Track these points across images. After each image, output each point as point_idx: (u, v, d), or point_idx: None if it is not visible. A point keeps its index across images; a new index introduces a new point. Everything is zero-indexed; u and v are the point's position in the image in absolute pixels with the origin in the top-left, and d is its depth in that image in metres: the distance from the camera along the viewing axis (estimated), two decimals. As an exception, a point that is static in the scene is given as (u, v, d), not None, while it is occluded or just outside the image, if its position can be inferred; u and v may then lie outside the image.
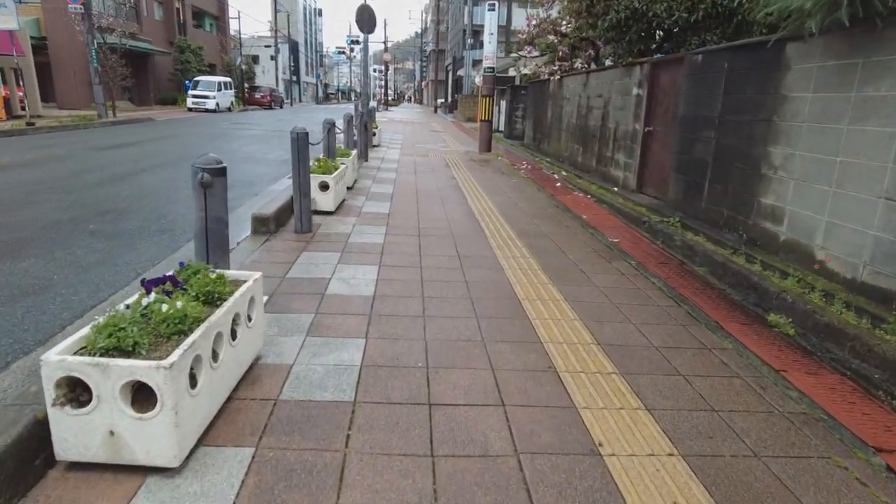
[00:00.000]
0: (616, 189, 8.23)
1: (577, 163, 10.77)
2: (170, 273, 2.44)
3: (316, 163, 6.35)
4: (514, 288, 4.15)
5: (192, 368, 2.08)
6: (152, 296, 2.27)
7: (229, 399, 2.48)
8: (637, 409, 2.63)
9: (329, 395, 2.57)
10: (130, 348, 1.97)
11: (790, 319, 3.77)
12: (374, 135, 14.13)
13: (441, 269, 4.49)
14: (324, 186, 6.11)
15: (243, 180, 8.69)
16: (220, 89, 32.64)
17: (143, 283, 2.33)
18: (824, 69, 4.21)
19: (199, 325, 2.17)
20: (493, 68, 13.67)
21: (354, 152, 8.46)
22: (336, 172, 6.28)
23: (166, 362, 1.87)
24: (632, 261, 5.09)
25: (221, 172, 2.80)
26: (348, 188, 7.81)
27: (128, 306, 2.23)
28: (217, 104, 31.74)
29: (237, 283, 2.71)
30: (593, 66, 11.07)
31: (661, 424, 2.52)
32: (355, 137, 10.38)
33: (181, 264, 2.60)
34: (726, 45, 5.62)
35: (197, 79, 32.54)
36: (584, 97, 10.38)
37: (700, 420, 2.57)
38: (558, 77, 12.08)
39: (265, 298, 3.59)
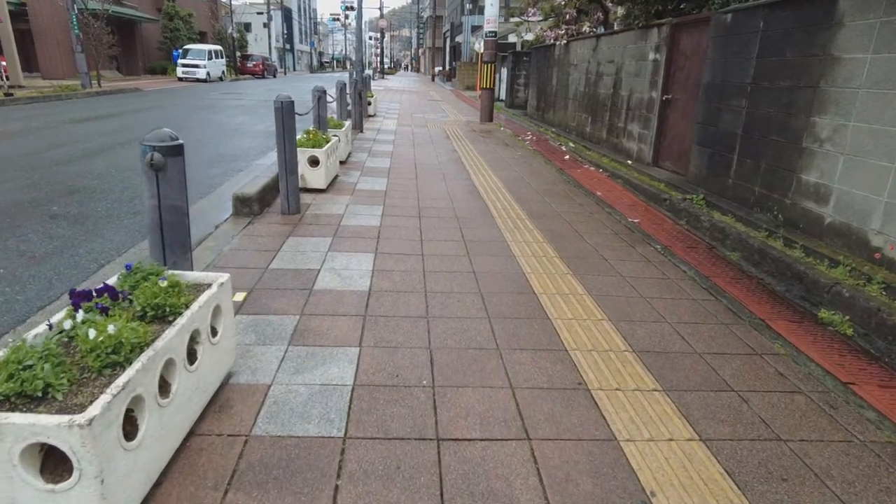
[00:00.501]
0: (630, 162, 7.67)
1: (585, 133, 10.17)
2: (108, 282, 1.92)
3: (305, 135, 5.78)
4: (529, 280, 3.65)
5: (130, 411, 1.59)
6: (81, 314, 1.76)
7: (190, 434, 2.00)
8: (690, 439, 2.16)
9: (313, 429, 2.09)
10: (40, 393, 1.47)
11: (847, 317, 3.29)
12: (370, 104, 13.45)
13: (445, 258, 3.98)
14: (314, 161, 5.55)
15: (229, 154, 8.11)
16: (210, 58, 31.57)
17: (70, 295, 1.82)
18: (890, 25, 3.63)
19: (140, 354, 1.67)
20: (494, 32, 12.92)
21: (348, 123, 7.86)
22: (327, 146, 5.72)
23: (83, 417, 1.37)
24: (656, 244, 4.58)
25: (177, 151, 2.27)
26: (341, 162, 7.24)
27: (51, 327, 1.72)
28: (208, 73, 30.74)
29: (199, 289, 2.20)
30: (602, 29, 10.37)
31: (722, 462, 2.04)
32: (349, 107, 9.74)
33: (128, 267, 2.09)
34: (763, 2, 5.01)
35: (187, 47, 31.44)
36: (594, 63, 9.72)
37: (769, 454, 2.10)
38: (564, 42, 11.38)
39: (242, 297, 3.10)
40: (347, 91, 9.48)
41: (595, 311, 3.24)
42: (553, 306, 3.26)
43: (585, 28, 10.88)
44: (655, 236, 4.84)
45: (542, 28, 12.41)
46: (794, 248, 4.16)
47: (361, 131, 10.46)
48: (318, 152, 5.53)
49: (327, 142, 5.85)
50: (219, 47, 34.33)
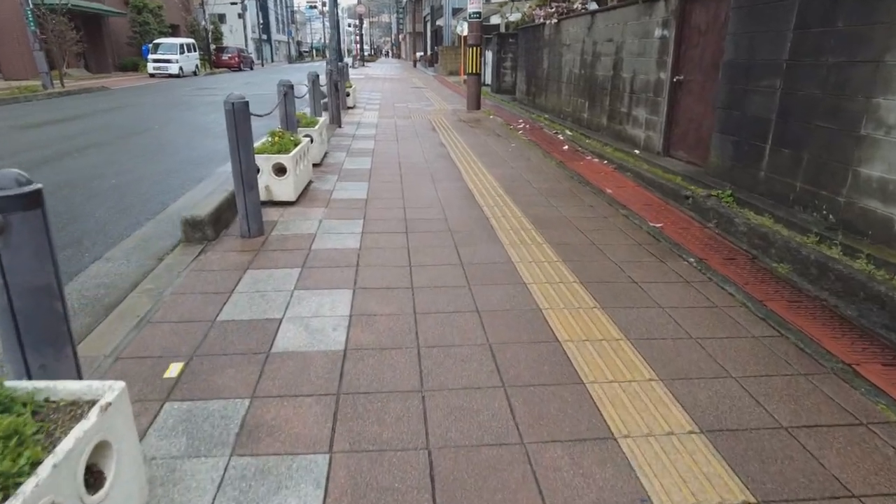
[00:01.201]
0: (637, 152, 6.93)
1: (582, 120, 9.40)
2: None
3: (270, 139, 4.98)
4: (547, 319, 2.91)
5: None
6: None
7: None
8: None
9: None
10: None
11: (957, 357, 2.58)
12: (349, 95, 12.58)
13: (440, 291, 3.23)
14: (280, 170, 4.75)
15: (192, 159, 7.26)
16: (183, 52, 30.39)
17: None
18: None
19: None
20: (479, 13, 12.07)
21: (322, 119, 7.05)
22: (296, 150, 4.92)
23: None
24: (689, 257, 3.86)
25: (31, 202, 1.48)
26: (316, 165, 6.43)
27: None
28: (181, 68, 29.58)
29: (76, 410, 1.44)
30: (593, 5, 9.55)
31: None
32: (325, 101, 8.90)
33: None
34: (799, -37, 4.26)
35: (157, 41, 30.20)
36: (589, 43, 8.93)
37: None
38: (555, 21, 10.56)
39: (177, 370, 2.33)
40: (322, 83, 8.63)
41: (640, 365, 2.51)
42: (585, 362, 2.52)
43: (577, 5, 10.05)
44: (685, 245, 4.11)
45: (530, 6, 11.57)
46: (858, 259, 3.45)
47: (340, 126, 9.62)
48: (284, 159, 4.73)
49: (296, 145, 5.05)
50: (191, 40, 33.07)
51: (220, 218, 4.17)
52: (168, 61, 29.10)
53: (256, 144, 4.92)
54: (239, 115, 3.75)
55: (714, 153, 5.40)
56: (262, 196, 4.69)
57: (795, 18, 4.28)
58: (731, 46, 5.10)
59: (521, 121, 10.78)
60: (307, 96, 7.65)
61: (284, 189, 4.78)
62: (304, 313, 2.92)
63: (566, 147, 7.95)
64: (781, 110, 4.45)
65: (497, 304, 3.07)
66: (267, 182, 4.70)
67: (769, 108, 4.58)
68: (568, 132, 9.14)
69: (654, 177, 5.82)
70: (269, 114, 4.75)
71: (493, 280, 3.39)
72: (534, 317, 2.93)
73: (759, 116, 4.71)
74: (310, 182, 5.65)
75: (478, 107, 12.77)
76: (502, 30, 20.13)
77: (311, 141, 6.25)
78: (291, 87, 5.59)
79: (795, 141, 4.30)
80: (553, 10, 10.50)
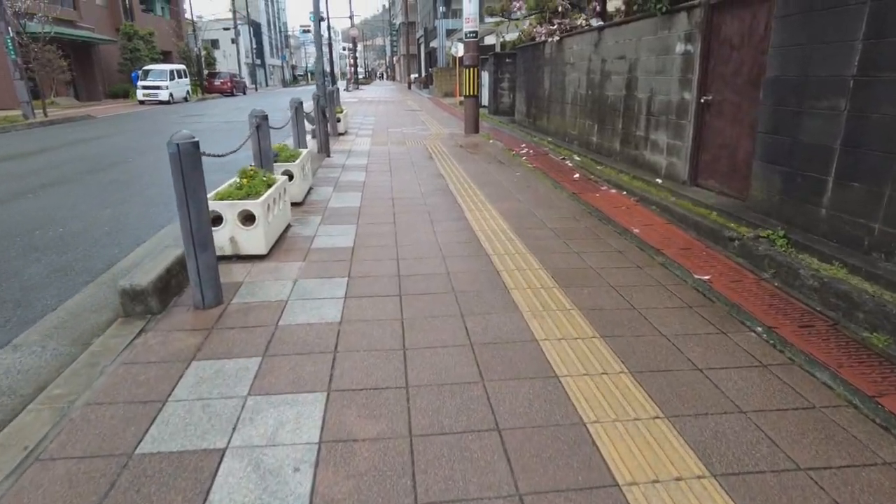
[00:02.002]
0: (659, 181, 6.17)
1: (590, 143, 8.67)
2: None
3: (238, 181, 4.21)
4: (597, 442, 2.09)
5: None
6: None
7: None
8: None
9: None
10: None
11: None
12: (339, 121, 11.88)
13: (445, 393, 2.42)
14: (247, 218, 3.97)
15: (160, 198, 6.47)
16: (173, 78, 29.84)
17: None
18: None
19: None
20: (475, 32, 11.42)
21: (306, 151, 6.29)
22: (268, 193, 4.14)
23: None
24: (755, 326, 3.06)
25: None
26: (296, 204, 5.65)
27: None
28: (171, 95, 29.00)
29: None
30: (598, 22, 8.88)
31: None
32: (312, 128, 8.17)
33: None
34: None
35: (146, 68, 29.64)
36: (597, 61, 8.24)
37: None
38: (557, 39, 9.90)
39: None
40: (311, 110, 7.90)
41: (744, 533, 1.69)
42: (662, 527, 1.71)
43: (580, 22, 9.40)
44: (745, 307, 3.31)
45: (530, 23, 10.92)
46: (983, 329, 2.65)
47: (328, 155, 8.88)
48: (253, 205, 3.95)
49: (269, 186, 4.28)
50: (182, 66, 32.56)
51: (170, 284, 3.37)
52: (158, 88, 28.54)
53: (222, 187, 4.14)
54: (186, 159, 2.97)
55: (757, 185, 4.63)
56: (227, 250, 3.90)
57: (865, 27, 3.55)
58: (777, 61, 4.37)
59: (523, 145, 10.05)
60: (290, 125, 6.91)
61: (253, 241, 3.99)
62: (256, 439, 2.11)
63: (577, 175, 7.20)
64: (848, 136, 3.70)
65: (524, 414, 2.25)
66: (232, 233, 3.92)
67: (831, 133, 3.83)
68: (576, 157, 8.40)
69: (685, 212, 5.05)
70: (233, 152, 3.97)
71: (514, 371, 2.58)
72: (577, 438, 2.12)
73: (817, 143, 3.95)
74: (288, 226, 4.87)
75: (476, 130, 12.07)
76: (498, 49, 19.58)
77: (291, 178, 5.49)
78: (265, 117, 4.83)
79: (871, 173, 3.53)
80: (555, 27, 9.85)
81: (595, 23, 8.70)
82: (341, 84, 47.98)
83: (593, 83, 8.43)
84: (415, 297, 3.42)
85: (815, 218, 3.99)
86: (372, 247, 4.40)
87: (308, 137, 8.94)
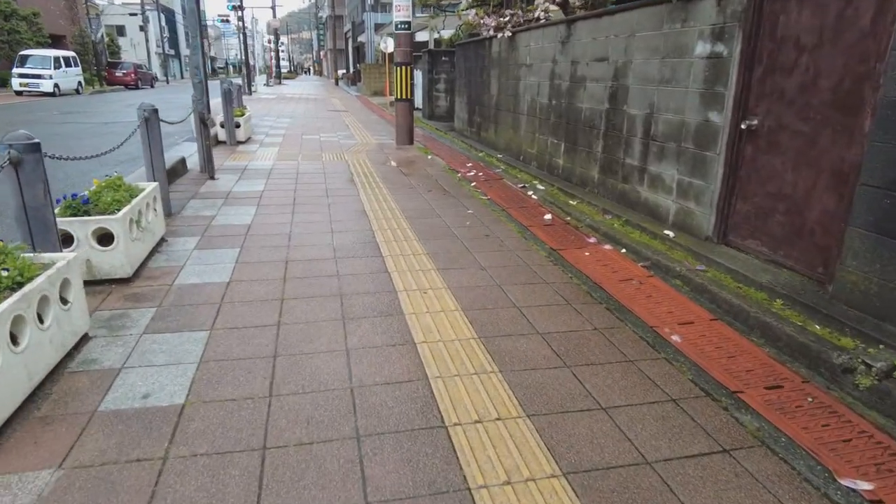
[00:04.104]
0: (669, 234, 4.42)
1: (555, 167, 6.88)
2: None
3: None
4: None
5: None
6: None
7: None
8: None
9: None
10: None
11: None
12: (238, 126, 9.54)
13: None
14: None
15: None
16: (59, 66, 25.91)
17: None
18: None
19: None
20: (408, 24, 9.42)
21: (151, 187, 4.07)
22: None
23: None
24: None
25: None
26: (118, 282, 3.44)
27: None
28: (56, 86, 25.13)
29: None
30: (555, 12, 7.07)
31: None
32: (216, 130, 5.88)
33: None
34: None
35: (23, 53, 25.56)
36: (565, 63, 6.45)
37: None
38: (509, 34, 8.06)
39: None
40: (199, 119, 5.61)
41: None
42: None
43: (539, 14, 7.58)
44: None
45: (476, 13, 9.01)
46: None
47: (212, 177, 6.61)
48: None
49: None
50: (71, 53, 28.49)
51: None
52: (39, 77, 24.62)
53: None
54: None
55: (854, 265, 2.92)
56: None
57: None
58: (913, 73, 2.66)
59: (469, 164, 8.15)
60: (142, 137, 4.63)
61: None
62: None
63: (548, 216, 5.35)
64: None
65: None
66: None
67: None
68: (538, 186, 6.58)
69: (737, 301, 3.28)
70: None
71: None
72: None
73: None
74: (162, 240, 2.68)
75: (410, 141, 10.07)
76: (431, 46, 17.65)
77: (117, 241, 3.28)
78: (38, 145, 2.61)
79: None
80: (507, 18, 8.00)
81: (556, 14, 6.90)
82: (260, 79, 44.53)
83: (559, 91, 6.64)
84: None
85: None
86: (219, 410, 2.32)
87: (195, 148, 6.66)
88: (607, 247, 4.46)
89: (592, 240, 4.65)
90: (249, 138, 10.29)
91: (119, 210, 3.39)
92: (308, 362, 2.66)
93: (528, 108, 7.67)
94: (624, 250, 4.37)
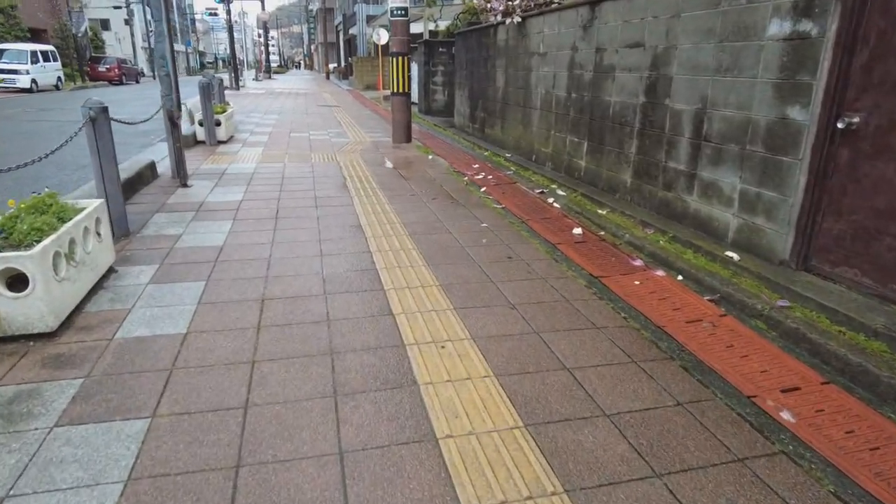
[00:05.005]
0: (733, 256, 3.62)
1: (575, 169, 6.07)
2: None
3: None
4: None
5: None
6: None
7: None
8: None
9: None
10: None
11: None
12: (219, 124, 8.66)
13: None
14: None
15: None
16: (37, 61, 24.84)
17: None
18: None
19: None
20: (405, 9, 8.55)
21: (91, 208, 3.23)
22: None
23: None
24: None
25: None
26: (42, 336, 2.62)
27: None
28: (34, 81, 24.06)
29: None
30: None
31: None
32: (193, 129, 5.02)
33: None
34: None
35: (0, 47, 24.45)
36: (588, 50, 5.63)
37: None
38: (518, 20, 7.23)
39: None
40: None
41: None
42: None
43: (552, -4, 6.75)
44: None
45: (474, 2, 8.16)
46: None
47: (185, 185, 5.75)
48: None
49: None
50: (50, 47, 27.39)
51: None
52: (15, 72, 23.53)
53: None
54: None
55: None
56: None
57: None
58: None
59: (475, 165, 7.33)
60: (88, 141, 3.77)
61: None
62: None
63: (578, 230, 4.54)
64: None
65: None
66: None
67: None
68: (558, 190, 5.78)
69: (862, 360, 2.49)
70: None
71: None
72: None
73: None
74: (111, 269, 1.88)
75: (408, 139, 9.22)
76: (427, 37, 16.77)
77: (33, 285, 2.45)
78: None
79: None
80: (517, 1, 7.16)
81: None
82: (249, 73, 43.40)
83: (580, 83, 5.82)
84: None
85: None
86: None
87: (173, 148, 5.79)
88: (659, 272, 3.66)
89: (638, 262, 3.85)
90: (232, 137, 9.41)
91: (38, 242, 2.56)
92: (283, 480, 1.84)
93: (541, 102, 6.85)
94: (680, 277, 3.58)
